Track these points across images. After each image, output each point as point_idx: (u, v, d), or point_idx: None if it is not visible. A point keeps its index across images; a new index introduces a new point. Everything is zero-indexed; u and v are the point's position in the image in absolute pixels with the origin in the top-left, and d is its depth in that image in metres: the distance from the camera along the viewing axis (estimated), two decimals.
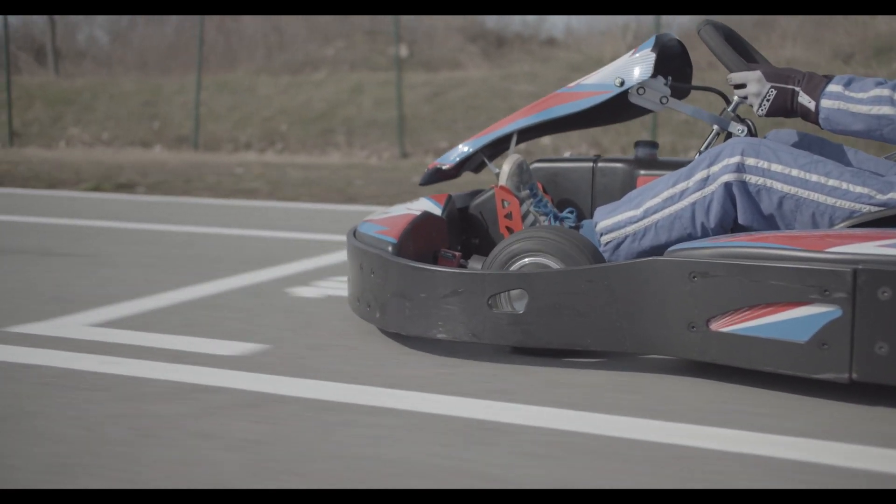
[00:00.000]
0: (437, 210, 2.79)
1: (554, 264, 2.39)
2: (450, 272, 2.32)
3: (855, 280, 1.95)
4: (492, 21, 15.34)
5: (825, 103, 2.32)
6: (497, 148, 2.92)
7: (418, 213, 2.69)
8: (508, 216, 2.70)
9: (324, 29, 15.09)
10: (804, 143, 2.63)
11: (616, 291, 2.22)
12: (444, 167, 2.91)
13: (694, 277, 2.13)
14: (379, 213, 2.82)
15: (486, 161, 2.93)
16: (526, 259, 2.43)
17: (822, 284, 1.98)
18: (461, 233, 2.92)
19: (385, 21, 13.63)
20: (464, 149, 2.86)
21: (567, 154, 3.03)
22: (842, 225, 2.29)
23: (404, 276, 2.38)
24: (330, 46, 14.72)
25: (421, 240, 2.62)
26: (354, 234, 2.74)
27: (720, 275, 2.10)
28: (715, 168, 2.40)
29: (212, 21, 14.79)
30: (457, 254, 2.68)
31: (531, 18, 16.24)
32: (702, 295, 2.12)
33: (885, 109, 2.23)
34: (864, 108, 2.27)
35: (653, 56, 2.58)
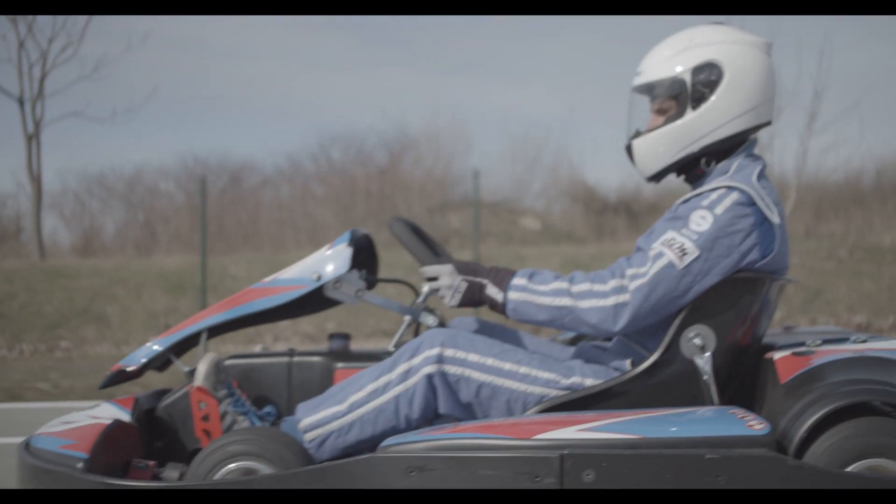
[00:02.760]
0: (124, 416, 2.61)
1: (263, 468, 2.31)
2: (159, 489, 2.16)
3: (562, 465, 2.07)
4: None
5: (512, 295, 2.49)
6: (185, 345, 2.82)
7: (108, 420, 2.50)
8: (205, 418, 2.58)
9: None
10: (485, 330, 2.80)
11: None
12: (129, 369, 2.74)
13: (411, 472, 2.15)
14: (56, 425, 2.57)
15: (174, 359, 2.80)
16: (232, 464, 2.33)
17: (533, 471, 2.08)
18: (150, 438, 2.74)
19: None
20: (154, 347, 2.72)
21: (258, 348, 2.98)
22: (533, 410, 2.44)
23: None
24: None
25: (111, 451, 2.43)
26: (27, 449, 2.48)
27: (437, 468, 2.14)
28: (416, 360, 2.47)
29: None
30: (150, 463, 2.50)
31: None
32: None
33: (565, 301, 2.45)
34: (546, 300, 2.47)
35: (349, 251, 2.65)
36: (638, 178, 2.73)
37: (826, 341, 2.37)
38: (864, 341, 2.34)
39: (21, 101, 13.43)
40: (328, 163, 16.75)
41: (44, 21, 14.30)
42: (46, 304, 9.94)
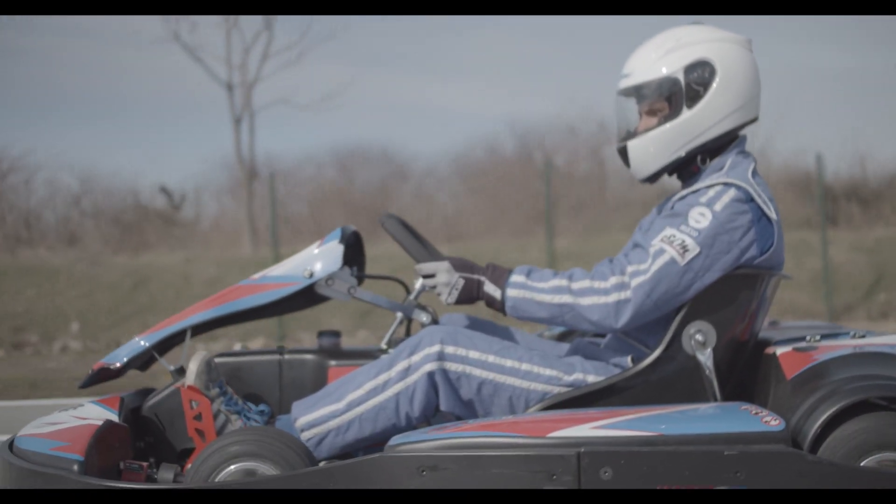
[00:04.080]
0: (112, 416, 2.52)
1: (267, 468, 2.26)
2: (161, 489, 2.09)
3: (579, 463, 2.06)
4: None
5: (510, 292, 2.47)
6: (169, 342, 2.74)
7: (98, 421, 2.41)
8: (198, 417, 2.51)
9: None
10: (476, 326, 2.78)
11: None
12: (112, 366, 2.66)
13: (423, 472, 2.12)
14: (42, 425, 2.48)
15: (157, 356, 2.72)
16: (233, 466, 2.27)
17: (549, 469, 2.07)
18: (136, 439, 2.66)
19: None
20: (141, 343, 2.64)
21: (237, 347, 2.92)
22: (536, 407, 2.43)
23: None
24: None
25: (105, 452, 2.35)
26: (11, 449, 2.38)
27: (449, 467, 2.12)
28: (416, 357, 2.44)
29: None
30: (143, 465, 2.43)
31: None
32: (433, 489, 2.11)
33: (566, 298, 2.44)
34: (546, 298, 2.45)
35: (341, 248, 2.61)
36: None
37: (825, 336, 2.41)
38: (862, 336, 2.38)
39: (230, 88, 14.32)
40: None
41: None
42: None
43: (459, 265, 2.54)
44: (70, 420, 2.49)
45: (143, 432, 2.69)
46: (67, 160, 22.82)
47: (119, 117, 23.36)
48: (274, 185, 11.21)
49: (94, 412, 2.54)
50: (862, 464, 2.11)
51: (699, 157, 2.56)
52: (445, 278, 2.53)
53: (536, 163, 15.19)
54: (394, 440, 2.24)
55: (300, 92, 24.50)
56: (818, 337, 2.38)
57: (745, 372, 2.49)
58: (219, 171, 16.84)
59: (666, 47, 2.54)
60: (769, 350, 2.42)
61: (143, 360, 2.76)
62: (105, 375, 2.70)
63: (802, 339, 2.39)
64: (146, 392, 2.78)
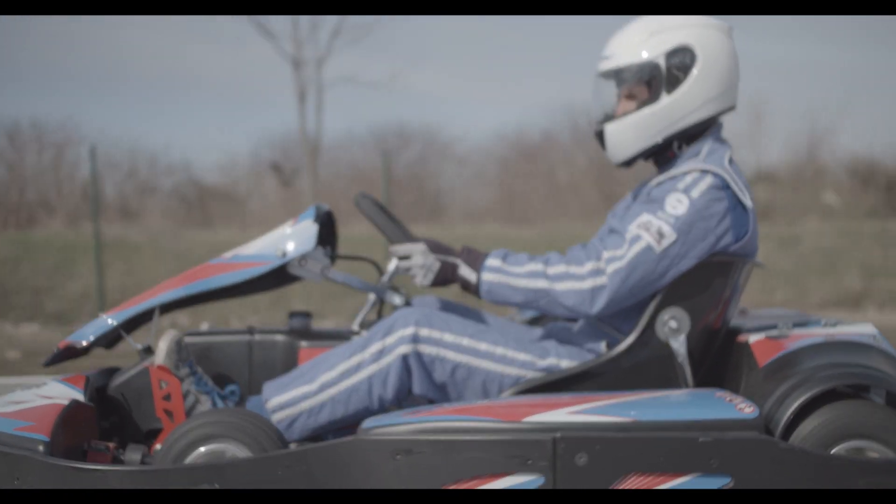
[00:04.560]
0: (77, 395, 2.47)
1: (237, 450, 2.23)
2: (132, 471, 2.05)
3: (555, 448, 2.06)
4: None
5: (486, 276, 2.46)
6: (137, 321, 2.69)
7: (63, 401, 2.36)
8: (167, 398, 2.47)
9: None
10: (449, 309, 2.77)
11: (316, 475, 2.12)
12: (78, 345, 2.61)
13: (397, 456, 2.11)
14: (5, 404, 2.42)
15: (124, 335, 2.68)
16: (203, 448, 2.24)
17: (524, 454, 2.07)
18: (101, 418, 2.61)
19: None
20: (109, 321, 2.58)
21: (203, 326, 2.87)
22: (510, 391, 2.42)
23: (67, 479, 2.06)
24: None
25: (71, 433, 2.30)
26: None
27: (424, 451, 2.10)
28: (390, 340, 2.42)
29: None
30: (110, 445, 2.38)
31: None
32: (407, 473, 2.10)
33: (541, 283, 2.43)
34: (522, 282, 2.44)
35: (315, 227, 2.58)
36: None
37: (796, 325, 2.43)
38: (834, 325, 2.40)
39: (296, 64, 14.32)
40: None
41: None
42: None
43: (435, 247, 2.52)
44: (34, 399, 2.43)
45: (108, 412, 2.64)
46: (131, 135, 22.48)
47: (175, 93, 23.03)
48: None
49: (58, 391, 2.49)
50: (832, 451, 2.13)
51: (676, 143, 2.55)
52: (421, 260, 2.51)
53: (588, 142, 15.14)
54: (367, 423, 2.22)
55: (363, 70, 24.30)
56: (790, 325, 2.40)
57: (717, 359, 2.51)
58: (276, 148, 16.57)
59: (648, 31, 2.53)
60: (741, 338, 2.43)
61: (110, 339, 2.72)
62: (70, 353, 2.64)
63: (774, 327, 2.41)
64: (111, 371, 2.73)
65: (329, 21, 14.67)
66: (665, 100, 2.50)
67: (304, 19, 14.23)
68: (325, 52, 14.42)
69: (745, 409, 2.10)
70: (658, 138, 2.53)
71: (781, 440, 2.11)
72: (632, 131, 2.54)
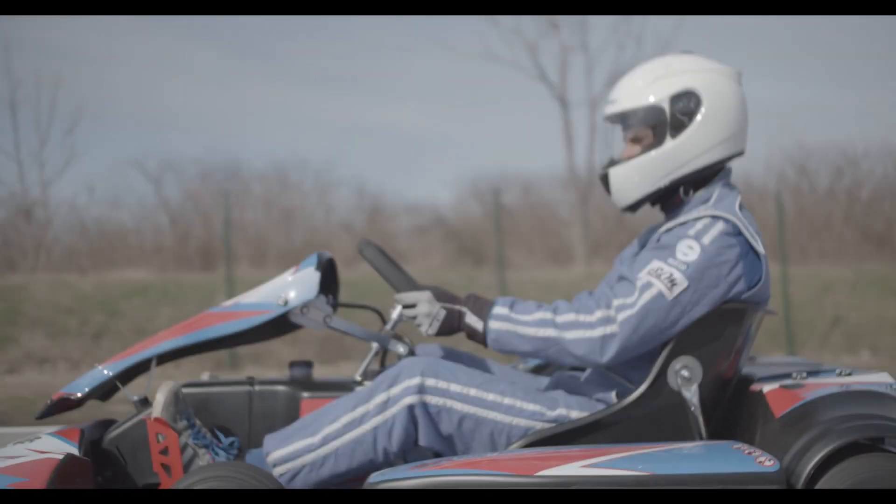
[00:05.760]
0: (72, 449, 2.40)
1: None
2: None
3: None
4: None
5: (493, 325, 2.40)
6: (133, 371, 2.62)
7: (58, 455, 2.29)
8: (164, 452, 2.39)
9: None
10: (453, 358, 2.71)
11: None
12: (73, 396, 2.54)
13: None
14: None
15: (120, 386, 2.61)
16: None
17: None
18: (97, 473, 2.53)
19: None
20: (105, 372, 2.52)
21: (206, 376, 2.80)
22: (518, 443, 2.35)
23: None
24: None
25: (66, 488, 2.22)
26: None
27: None
28: (395, 390, 2.36)
29: None
30: None
31: None
32: None
33: (550, 332, 2.37)
34: (530, 331, 2.39)
35: (317, 275, 2.53)
36: None
37: (810, 374, 2.38)
38: (848, 374, 2.35)
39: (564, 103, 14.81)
40: None
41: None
42: None
43: (440, 295, 2.46)
44: (28, 454, 2.36)
45: (103, 466, 2.56)
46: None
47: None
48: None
49: (52, 445, 2.41)
50: None
51: (682, 189, 2.52)
52: (426, 308, 2.45)
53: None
54: (374, 478, 2.15)
55: None
56: (804, 374, 2.35)
57: (730, 408, 2.45)
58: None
59: (654, 75, 2.51)
60: (755, 387, 2.38)
61: (105, 390, 2.65)
62: (65, 406, 2.57)
63: (788, 376, 2.36)
64: (107, 423, 2.65)
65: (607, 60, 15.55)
66: (669, 144, 2.47)
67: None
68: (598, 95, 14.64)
69: (766, 463, 2.04)
70: (663, 182, 2.49)
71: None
72: (636, 175, 2.50)
